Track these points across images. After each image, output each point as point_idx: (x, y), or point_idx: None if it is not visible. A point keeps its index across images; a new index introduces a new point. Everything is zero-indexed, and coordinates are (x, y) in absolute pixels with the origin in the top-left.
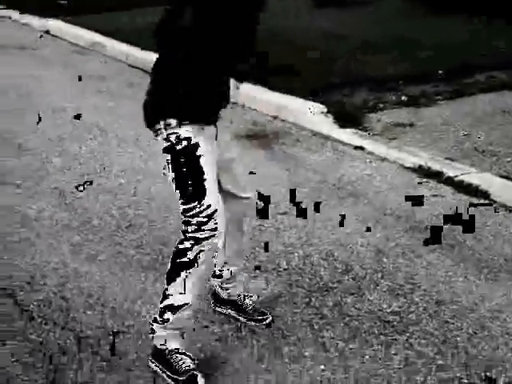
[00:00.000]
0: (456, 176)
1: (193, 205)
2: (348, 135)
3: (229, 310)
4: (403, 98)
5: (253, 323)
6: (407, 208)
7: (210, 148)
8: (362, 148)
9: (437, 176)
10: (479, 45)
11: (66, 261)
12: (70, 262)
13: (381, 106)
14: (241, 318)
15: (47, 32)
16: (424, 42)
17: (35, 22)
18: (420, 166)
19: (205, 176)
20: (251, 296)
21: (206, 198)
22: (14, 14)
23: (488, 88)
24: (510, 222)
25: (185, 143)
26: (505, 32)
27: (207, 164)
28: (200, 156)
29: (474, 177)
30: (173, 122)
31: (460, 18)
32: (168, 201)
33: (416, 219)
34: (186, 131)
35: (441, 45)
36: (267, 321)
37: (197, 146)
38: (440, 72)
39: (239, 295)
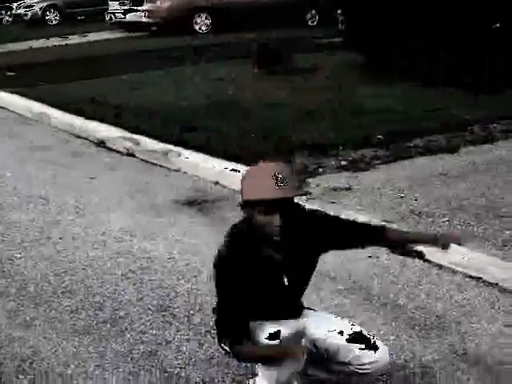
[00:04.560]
0: None
1: None
2: None
3: None
4: (342, 162)
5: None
6: (343, 269)
7: None
8: None
9: None
10: (422, 110)
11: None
12: (5, 327)
13: (320, 170)
14: None
15: None
16: (366, 108)
17: None
18: None
19: None
20: None
21: None
22: None
23: (426, 151)
24: (443, 282)
25: None
26: (450, 98)
27: None
28: None
29: None
30: None
31: (406, 85)
32: (105, 267)
33: (351, 280)
34: None
35: (383, 110)
36: None
37: None
38: (379, 137)
39: None
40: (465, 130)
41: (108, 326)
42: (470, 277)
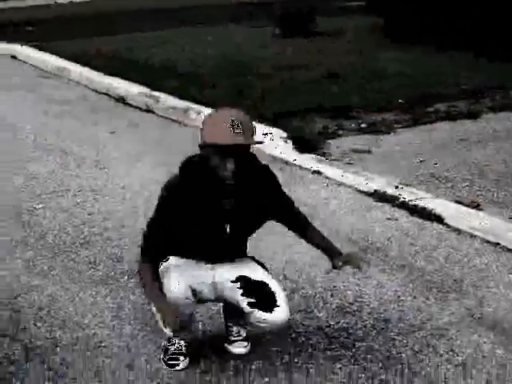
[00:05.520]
0: (411, 200)
1: None
2: (306, 160)
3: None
4: (363, 125)
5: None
6: (361, 230)
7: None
8: (319, 172)
9: (392, 200)
10: (442, 75)
11: (18, 275)
12: (23, 276)
13: (340, 132)
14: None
15: (14, 57)
16: (388, 72)
17: (1, 46)
18: (375, 191)
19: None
20: None
21: None
22: None
23: (447, 117)
24: (462, 246)
25: None
26: (469, 64)
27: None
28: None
29: (428, 202)
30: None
31: (426, 50)
32: (123, 219)
33: (369, 241)
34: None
35: (404, 75)
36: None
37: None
38: (400, 101)
39: None
40: (485, 97)
41: (126, 277)
42: (489, 242)
